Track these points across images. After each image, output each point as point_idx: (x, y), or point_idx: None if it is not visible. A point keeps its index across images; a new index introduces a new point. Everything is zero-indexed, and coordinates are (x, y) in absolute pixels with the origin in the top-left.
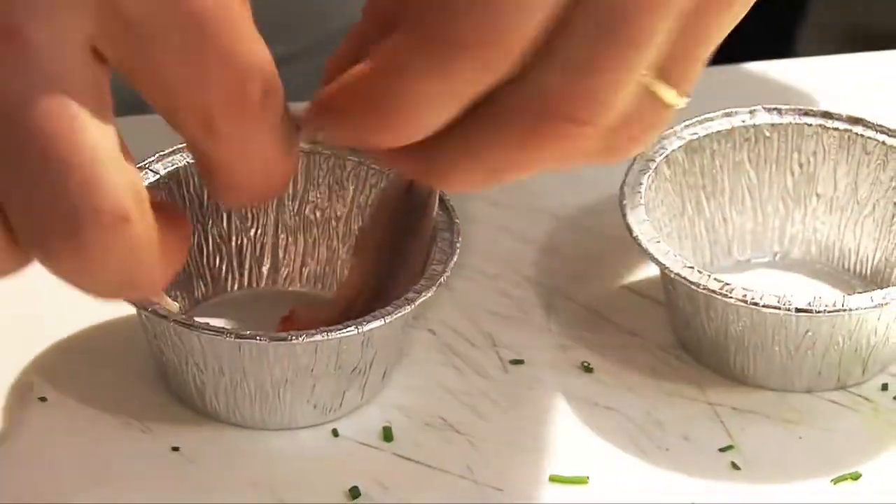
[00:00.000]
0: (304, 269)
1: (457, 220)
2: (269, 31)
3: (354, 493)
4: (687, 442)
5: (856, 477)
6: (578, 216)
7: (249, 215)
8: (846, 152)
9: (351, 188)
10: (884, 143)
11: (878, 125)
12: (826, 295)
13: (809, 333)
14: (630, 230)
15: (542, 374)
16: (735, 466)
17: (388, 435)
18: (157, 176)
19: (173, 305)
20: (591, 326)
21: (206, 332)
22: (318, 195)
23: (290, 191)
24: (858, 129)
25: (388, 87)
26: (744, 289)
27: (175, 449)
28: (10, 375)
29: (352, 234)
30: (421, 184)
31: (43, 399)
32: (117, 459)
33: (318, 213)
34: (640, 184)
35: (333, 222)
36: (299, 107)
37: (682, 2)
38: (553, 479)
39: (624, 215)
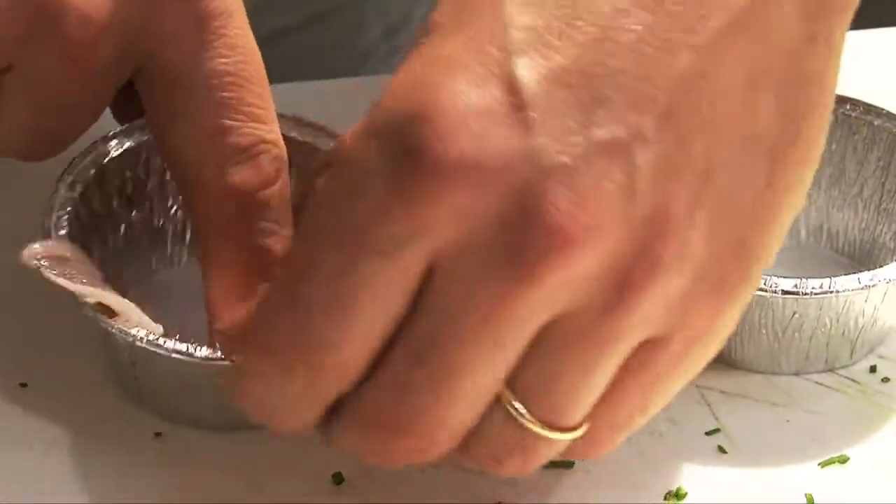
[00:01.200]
0: None
1: None
2: (268, 3)
3: (338, 478)
4: (673, 425)
5: (843, 460)
6: None
7: (170, 197)
8: (833, 133)
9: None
10: (871, 122)
11: (865, 105)
12: (813, 277)
13: (796, 315)
14: None
15: None
16: (722, 450)
17: None
18: (89, 178)
19: (157, 328)
20: None
21: (213, 361)
22: None
23: None
24: (846, 109)
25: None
26: None
27: (158, 434)
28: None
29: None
30: None
31: (23, 385)
32: (99, 444)
33: None
34: None
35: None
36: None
37: (518, 340)
38: None
39: None
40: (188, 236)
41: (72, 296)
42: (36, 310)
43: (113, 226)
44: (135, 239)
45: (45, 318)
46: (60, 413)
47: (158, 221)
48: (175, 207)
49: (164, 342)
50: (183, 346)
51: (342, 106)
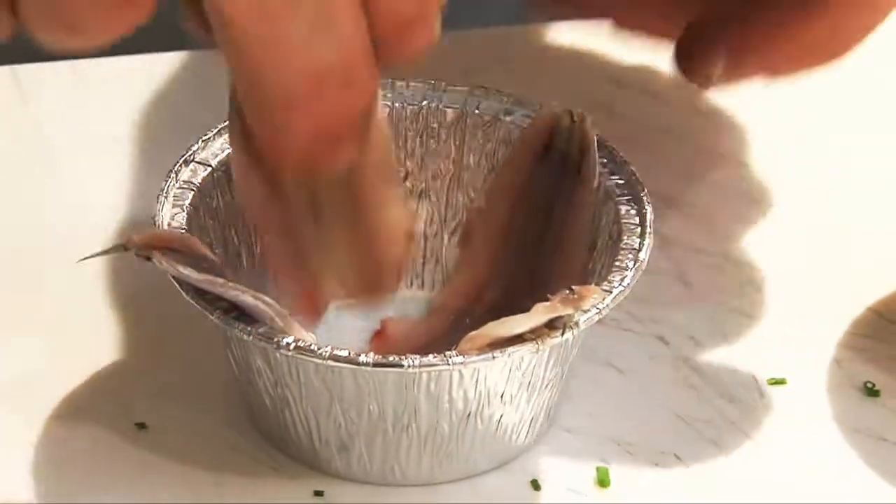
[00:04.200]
0: None
1: (638, 181)
2: None
3: None
4: None
5: None
6: (858, 199)
7: None
8: None
9: (452, 148)
10: None
11: None
12: None
13: None
14: None
15: (811, 398)
16: None
17: (604, 479)
18: (209, 168)
19: (308, 337)
20: (877, 334)
21: (366, 365)
22: (407, 161)
23: None
24: None
25: None
26: None
27: (318, 493)
28: (107, 399)
29: (458, 210)
30: (567, 139)
31: (141, 425)
32: (239, 501)
33: (408, 186)
34: None
35: (433, 197)
36: None
37: None
38: None
39: None
40: None
41: (190, 303)
42: (158, 350)
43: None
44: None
45: (167, 357)
46: (185, 460)
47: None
48: None
49: (318, 347)
50: (343, 352)
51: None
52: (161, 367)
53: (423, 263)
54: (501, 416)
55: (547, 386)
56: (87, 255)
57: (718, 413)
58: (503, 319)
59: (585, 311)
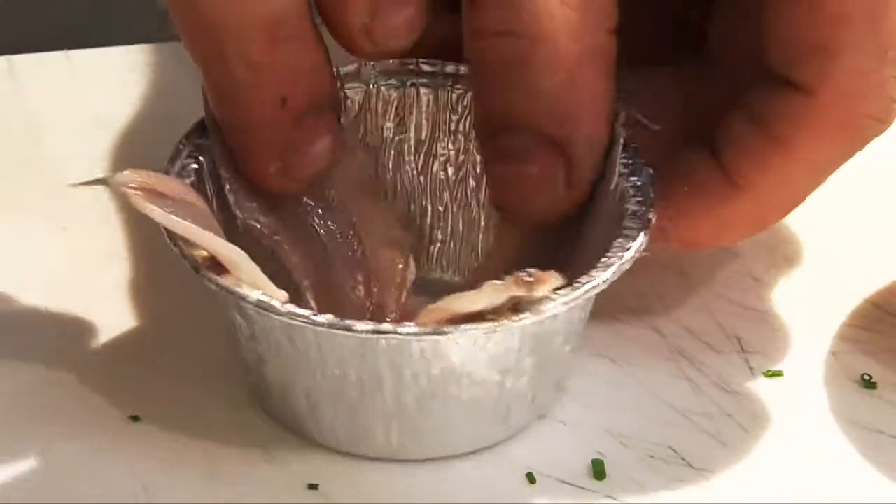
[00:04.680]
0: (431, 248)
1: (652, 183)
2: None
3: None
4: None
5: None
6: (855, 189)
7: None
8: None
9: None
10: None
11: None
12: None
13: None
14: None
15: (808, 390)
16: None
17: (599, 471)
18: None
19: (280, 294)
20: (874, 326)
21: (321, 326)
22: (450, 145)
23: (412, 142)
24: None
25: None
26: None
27: (313, 487)
28: (101, 392)
29: None
30: None
31: (135, 418)
32: (229, 492)
33: (449, 171)
34: None
35: (472, 181)
36: None
37: None
38: None
39: None
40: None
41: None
42: (151, 340)
43: None
44: None
45: (161, 345)
46: (178, 453)
47: None
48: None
49: (280, 304)
50: (305, 311)
51: None
52: (155, 360)
53: (459, 251)
54: (471, 398)
55: (523, 374)
56: (78, 182)
57: (714, 405)
58: (459, 294)
59: (542, 296)
